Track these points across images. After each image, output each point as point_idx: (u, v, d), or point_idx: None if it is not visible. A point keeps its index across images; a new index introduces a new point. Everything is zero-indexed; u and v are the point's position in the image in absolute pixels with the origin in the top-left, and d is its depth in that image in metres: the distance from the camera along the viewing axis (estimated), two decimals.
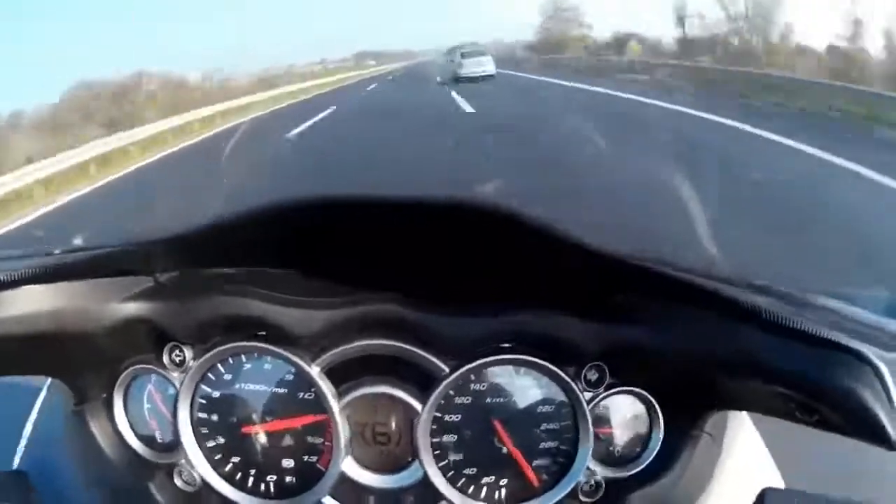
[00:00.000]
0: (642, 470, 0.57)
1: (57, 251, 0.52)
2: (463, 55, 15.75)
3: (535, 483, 0.57)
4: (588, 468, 0.57)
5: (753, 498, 0.47)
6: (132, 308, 0.55)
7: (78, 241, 0.56)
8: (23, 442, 0.63)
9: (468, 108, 9.58)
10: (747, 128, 6.73)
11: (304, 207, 0.50)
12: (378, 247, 0.56)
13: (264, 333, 0.56)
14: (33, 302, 0.50)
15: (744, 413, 0.61)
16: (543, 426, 0.57)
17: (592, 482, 0.57)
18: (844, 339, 0.42)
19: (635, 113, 8.64)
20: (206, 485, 0.58)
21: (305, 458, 0.58)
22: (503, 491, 0.58)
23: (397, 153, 5.98)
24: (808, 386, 0.44)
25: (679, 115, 8.03)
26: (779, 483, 0.59)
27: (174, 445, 0.59)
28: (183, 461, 0.58)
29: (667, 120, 7.81)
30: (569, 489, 0.57)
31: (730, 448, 0.58)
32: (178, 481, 0.59)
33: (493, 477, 0.57)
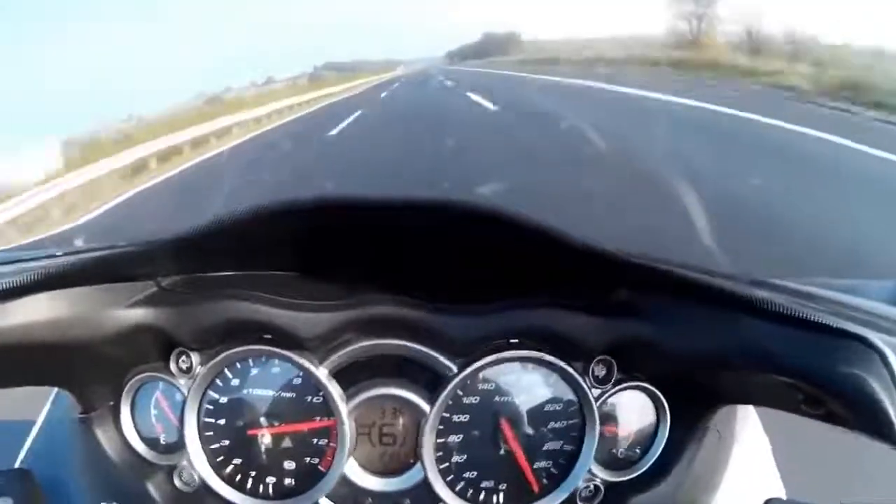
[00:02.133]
0: (644, 473, 0.58)
1: (59, 253, 0.51)
2: None
3: (535, 487, 0.57)
4: (589, 471, 0.57)
5: None
6: (137, 315, 0.55)
7: (79, 243, 0.55)
8: (26, 445, 0.63)
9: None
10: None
11: (307, 208, 0.50)
12: (382, 247, 0.57)
13: (270, 337, 0.56)
14: (37, 311, 0.49)
15: (750, 414, 0.61)
16: (550, 425, 0.57)
17: (592, 486, 0.57)
18: (849, 326, 0.42)
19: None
20: (204, 485, 0.58)
21: (307, 459, 0.58)
22: (502, 495, 0.58)
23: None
24: (814, 374, 0.44)
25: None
26: (780, 488, 0.59)
27: (177, 447, 0.59)
28: (184, 462, 0.58)
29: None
30: (568, 493, 0.57)
31: (734, 450, 0.58)
32: (177, 481, 0.59)
33: (493, 480, 0.58)
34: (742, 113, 6.84)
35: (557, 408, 0.57)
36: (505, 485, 0.58)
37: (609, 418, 0.58)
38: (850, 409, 0.42)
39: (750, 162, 5.16)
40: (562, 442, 0.57)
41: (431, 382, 0.57)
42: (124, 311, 0.54)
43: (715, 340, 0.50)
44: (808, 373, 0.44)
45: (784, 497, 0.53)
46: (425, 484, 0.57)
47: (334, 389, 0.56)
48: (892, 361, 0.40)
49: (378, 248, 0.57)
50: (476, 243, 0.55)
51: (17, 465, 0.61)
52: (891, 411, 0.39)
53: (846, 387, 0.41)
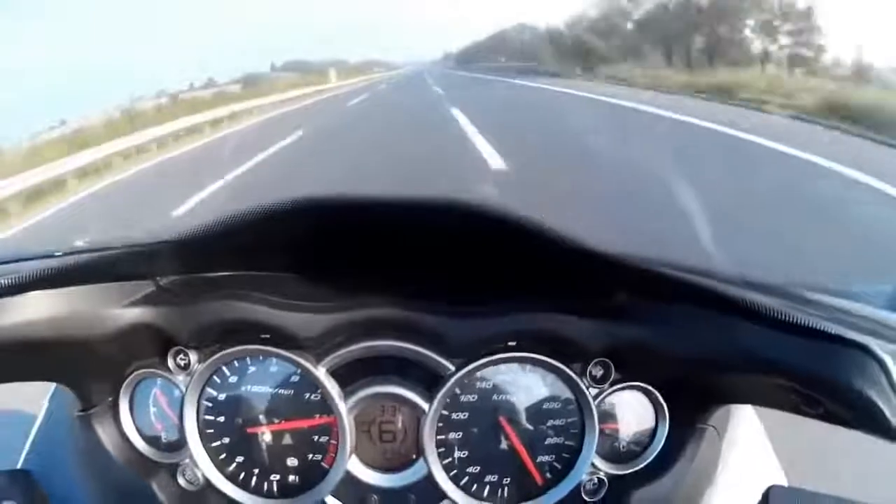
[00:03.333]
0: (646, 466, 0.58)
1: (58, 253, 0.52)
2: None
3: (539, 481, 0.58)
4: (592, 465, 0.57)
5: (757, 495, 0.47)
6: (135, 313, 0.55)
7: (79, 243, 0.55)
8: (27, 445, 0.63)
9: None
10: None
11: (306, 208, 0.50)
12: (381, 248, 0.57)
13: (268, 336, 0.56)
14: (36, 308, 0.49)
15: (748, 408, 0.61)
16: (549, 423, 0.57)
17: (595, 480, 0.58)
18: (847, 333, 0.42)
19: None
20: (208, 484, 0.58)
21: (310, 456, 0.58)
22: (506, 489, 0.58)
23: None
24: (812, 379, 0.44)
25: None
26: (782, 479, 0.59)
27: (179, 445, 0.59)
28: (187, 460, 0.59)
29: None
30: (572, 486, 0.57)
31: (734, 444, 0.58)
32: (181, 480, 0.59)
33: (497, 475, 0.58)
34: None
35: (556, 406, 0.57)
36: (509, 479, 0.58)
37: (608, 416, 0.58)
38: (849, 410, 0.43)
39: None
40: (562, 438, 0.57)
41: (430, 381, 0.57)
42: (123, 309, 0.54)
43: (714, 345, 0.50)
44: (807, 376, 0.44)
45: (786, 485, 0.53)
46: (429, 479, 0.57)
47: (332, 387, 0.56)
48: (892, 369, 0.40)
49: (376, 249, 0.57)
50: (474, 244, 0.54)
51: (19, 465, 0.61)
52: (890, 415, 0.40)
53: (846, 393, 0.41)
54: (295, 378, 0.57)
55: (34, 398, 0.66)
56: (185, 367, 0.58)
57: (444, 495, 0.57)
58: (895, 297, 0.53)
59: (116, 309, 0.54)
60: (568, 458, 0.58)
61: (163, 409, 0.60)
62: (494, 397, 0.57)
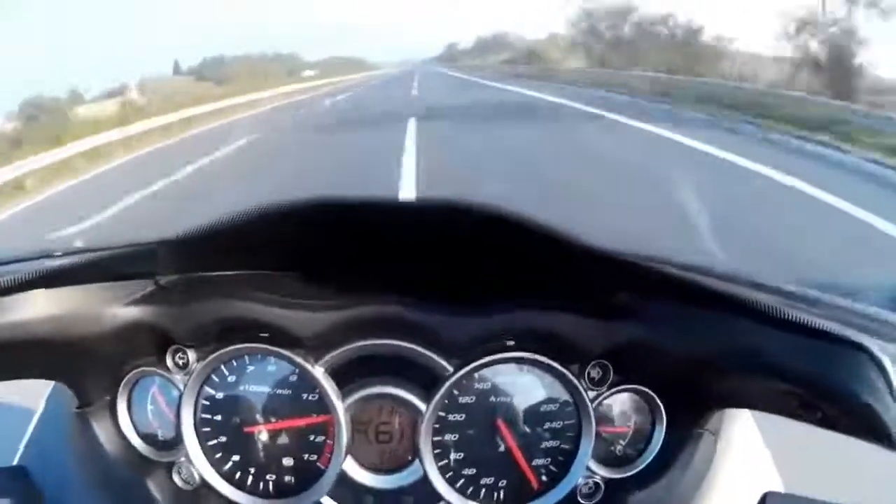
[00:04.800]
0: (642, 470, 0.58)
1: (58, 253, 0.52)
2: None
3: (535, 484, 0.58)
4: (588, 469, 0.57)
5: (753, 501, 0.47)
6: (134, 312, 0.55)
7: (79, 243, 0.56)
8: (24, 442, 0.63)
9: None
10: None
11: (306, 209, 0.50)
12: (380, 248, 0.57)
13: (267, 335, 0.56)
14: (35, 307, 0.49)
15: (746, 413, 0.61)
16: (546, 424, 0.57)
17: (591, 483, 0.58)
18: (846, 332, 0.42)
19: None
20: (204, 483, 0.58)
21: (306, 457, 0.58)
22: (502, 492, 0.58)
23: None
24: (810, 382, 0.44)
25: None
26: (778, 485, 0.59)
27: (175, 443, 0.59)
28: (182, 459, 0.59)
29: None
30: (568, 490, 0.57)
31: (731, 448, 0.58)
32: (176, 479, 0.59)
33: (493, 478, 0.58)
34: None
35: (553, 408, 0.57)
36: (505, 482, 0.58)
37: (605, 419, 0.58)
38: (846, 416, 0.43)
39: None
40: (559, 441, 0.57)
41: (427, 381, 0.57)
42: (122, 308, 0.55)
43: (714, 345, 0.50)
44: (805, 379, 0.44)
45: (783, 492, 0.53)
46: (425, 481, 0.57)
47: (330, 387, 0.56)
48: (890, 370, 0.40)
49: (374, 248, 0.57)
50: (474, 244, 0.54)
51: (15, 462, 0.61)
52: (887, 420, 0.39)
53: (843, 395, 0.41)
54: (293, 378, 0.58)
55: (31, 395, 0.66)
56: (184, 367, 0.58)
57: (439, 497, 0.57)
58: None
59: (116, 308, 0.54)
60: (564, 460, 0.58)
61: (160, 408, 0.60)
62: (492, 399, 0.57)
